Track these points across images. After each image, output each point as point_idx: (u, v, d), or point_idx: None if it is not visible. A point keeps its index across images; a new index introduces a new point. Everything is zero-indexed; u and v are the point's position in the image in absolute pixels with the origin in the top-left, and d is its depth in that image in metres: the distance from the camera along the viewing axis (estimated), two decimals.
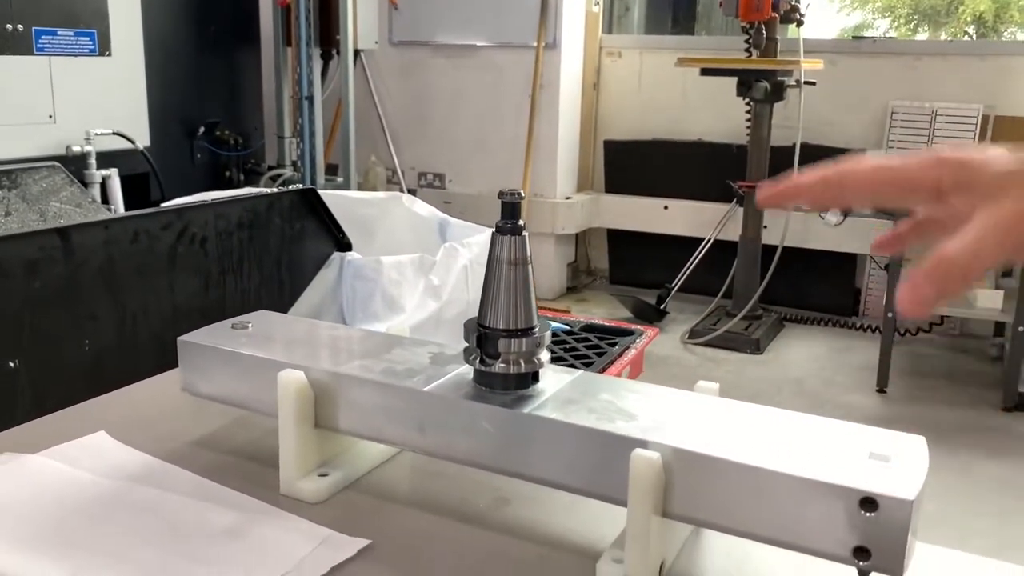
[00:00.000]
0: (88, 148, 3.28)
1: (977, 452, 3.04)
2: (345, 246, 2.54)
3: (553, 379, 0.72)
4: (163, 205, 2.00)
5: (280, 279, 2.33)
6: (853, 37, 4.47)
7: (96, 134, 3.31)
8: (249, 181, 4.14)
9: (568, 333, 3.32)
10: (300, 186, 2.21)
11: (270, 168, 4.23)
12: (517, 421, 0.67)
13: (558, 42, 4.46)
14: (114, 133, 3.39)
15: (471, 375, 0.72)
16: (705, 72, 3.91)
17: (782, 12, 3.86)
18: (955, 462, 2.95)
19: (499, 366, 0.70)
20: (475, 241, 2.82)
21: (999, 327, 3.99)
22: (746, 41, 3.98)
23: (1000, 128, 4.08)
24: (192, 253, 1.97)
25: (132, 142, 3.47)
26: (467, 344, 0.72)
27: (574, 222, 4.76)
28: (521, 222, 0.70)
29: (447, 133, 4.84)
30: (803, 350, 4.07)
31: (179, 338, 0.83)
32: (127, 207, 3.45)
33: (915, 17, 19.87)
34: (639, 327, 3.37)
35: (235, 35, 4.15)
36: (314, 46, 4.02)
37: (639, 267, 4.96)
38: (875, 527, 0.55)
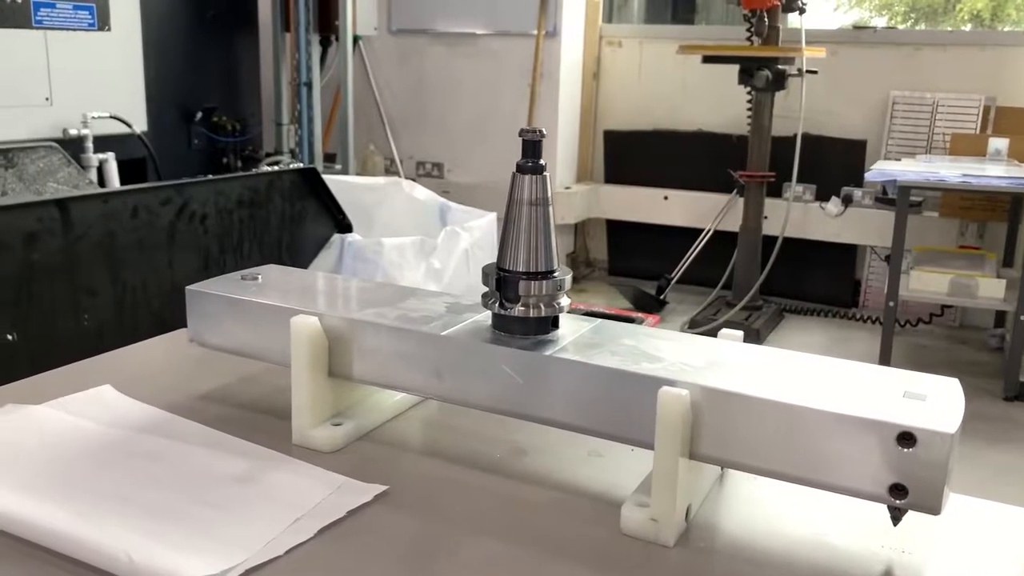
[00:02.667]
0: (85, 131, 3.25)
1: (979, 442, 3.02)
2: (346, 227, 2.52)
3: (573, 326, 0.71)
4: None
5: (281, 259, 2.31)
6: (854, 27, 4.45)
7: (93, 117, 3.28)
8: (246, 168, 4.11)
9: None
10: (300, 165, 2.18)
11: (268, 155, 4.20)
12: (538, 363, 0.65)
13: (558, 30, 4.44)
14: (111, 117, 3.36)
15: (489, 321, 0.70)
16: (707, 60, 3.89)
17: (784, 0, 3.84)
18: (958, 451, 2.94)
19: (519, 309, 0.68)
20: (476, 225, 2.80)
21: (999, 318, 3.98)
22: (748, 29, 3.96)
23: (1001, 119, 4.07)
24: (192, 230, 1.95)
25: (129, 126, 3.44)
26: (486, 289, 0.70)
27: (573, 212, 4.74)
28: (543, 161, 0.68)
29: (446, 122, 4.81)
30: (803, 341, 4.06)
31: (188, 287, 0.80)
32: None
33: (912, 15, 19.94)
34: (640, 315, 3.35)
35: (233, 20, 4.12)
36: (313, 32, 3.99)
37: (638, 257, 4.93)
38: (913, 463, 0.54)
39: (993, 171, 3.45)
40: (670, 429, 0.58)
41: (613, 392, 0.62)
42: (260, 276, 0.84)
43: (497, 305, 0.68)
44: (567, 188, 4.71)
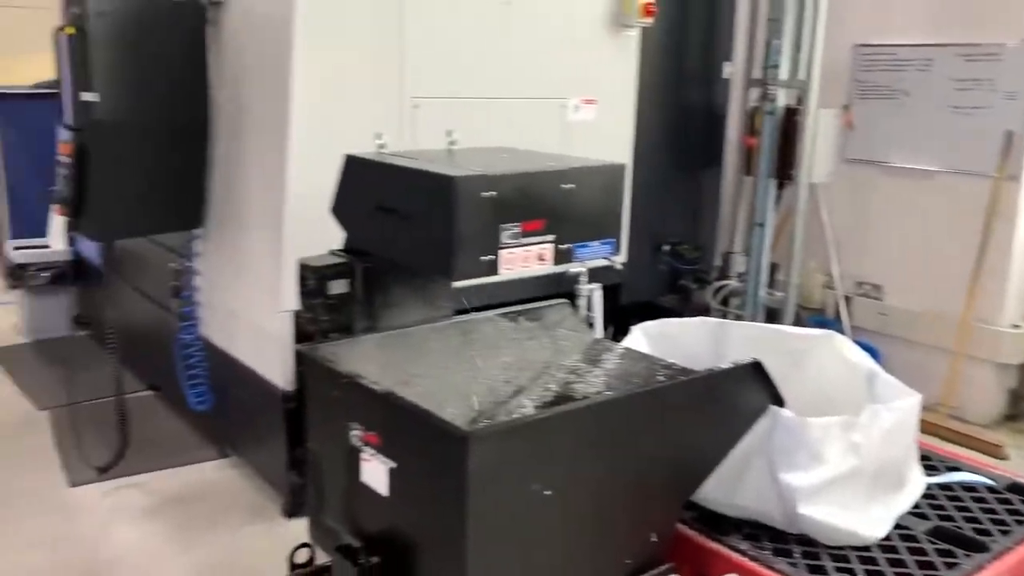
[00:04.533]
0: (581, 269, 4.22)
1: None
2: (779, 401, 3.01)
3: None
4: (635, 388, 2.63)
5: (726, 430, 2.88)
6: None
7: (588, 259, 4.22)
8: (700, 287, 4.83)
9: (990, 490, 3.37)
10: (751, 359, 2.76)
11: (717, 279, 4.86)
12: None
13: (1020, 175, 4.40)
14: (603, 257, 4.27)
15: None
16: None
17: None
18: None
19: None
20: (900, 406, 3.08)
21: None
22: None
23: None
24: (660, 427, 2.57)
25: (612, 262, 4.33)
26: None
27: (1022, 352, 4.63)
28: None
29: (888, 247, 5.00)
30: None
31: None
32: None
33: None
34: None
35: (702, 166, 4.86)
36: (771, 177, 4.54)
37: None
38: None
39: None
40: None
41: None
42: None
43: None
44: (1016, 327, 4.62)
